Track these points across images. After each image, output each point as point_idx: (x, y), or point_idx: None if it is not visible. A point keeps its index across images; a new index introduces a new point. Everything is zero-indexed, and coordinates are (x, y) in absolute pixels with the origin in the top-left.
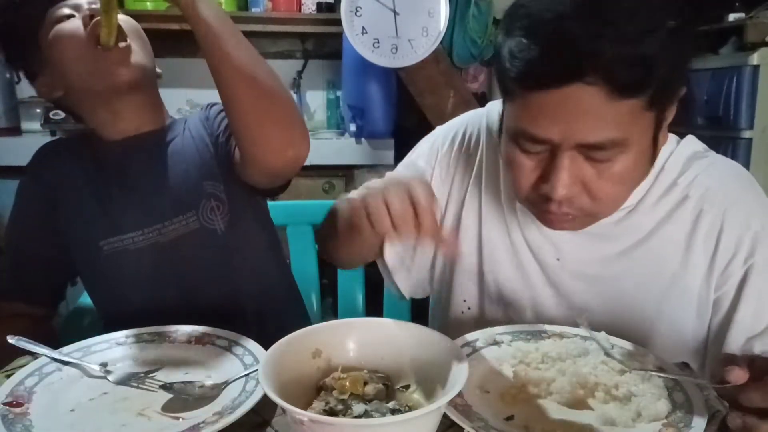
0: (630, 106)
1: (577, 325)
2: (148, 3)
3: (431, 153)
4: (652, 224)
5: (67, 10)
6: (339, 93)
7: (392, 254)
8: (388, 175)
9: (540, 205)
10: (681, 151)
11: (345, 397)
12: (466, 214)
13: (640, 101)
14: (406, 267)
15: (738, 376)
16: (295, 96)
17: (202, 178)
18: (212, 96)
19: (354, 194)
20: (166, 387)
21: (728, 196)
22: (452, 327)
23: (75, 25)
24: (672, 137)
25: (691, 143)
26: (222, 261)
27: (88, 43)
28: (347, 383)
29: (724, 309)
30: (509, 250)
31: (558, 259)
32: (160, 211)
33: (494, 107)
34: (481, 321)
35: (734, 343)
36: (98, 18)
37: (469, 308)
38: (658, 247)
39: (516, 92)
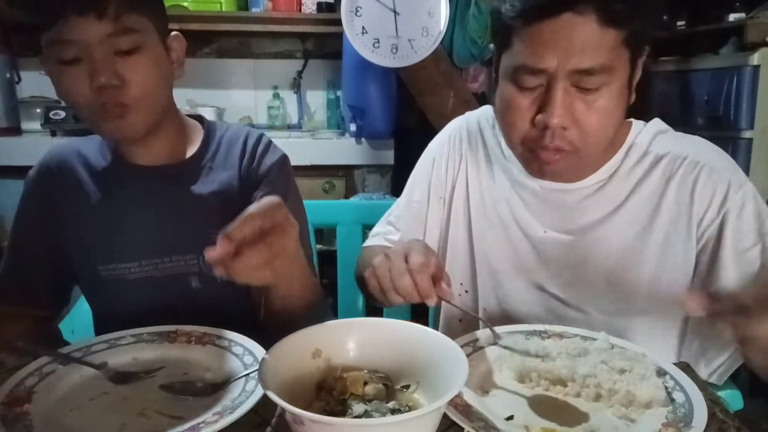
0: (614, 36)
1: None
2: None
3: (425, 170)
4: (627, 190)
5: (71, 54)
6: (339, 93)
7: None
8: (394, 249)
9: (534, 143)
10: (648, 129)
11: (345, 397)
12: (456, 204)
13: (621, 34)
14: None
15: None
16: (295, 96)
17: (208, 226)
18: (212, 96)
19: (376, 262)
20: (166, 387)
21: (699, 155)
22: (452, 312)
23: (79, 76)
24: (639, 122)
25: (657, 123)
26: (219, 297)
27: (92, 103)
28: (347, 383)
29: (708, 253)
30: (498, 229)
31: (545, 232)
32: (159, 247)
33: (472, 115)
34: (477, 300)
35: (724, 278)
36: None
37: (466, 291)
38: (633, 209)
39: (515, 33)
